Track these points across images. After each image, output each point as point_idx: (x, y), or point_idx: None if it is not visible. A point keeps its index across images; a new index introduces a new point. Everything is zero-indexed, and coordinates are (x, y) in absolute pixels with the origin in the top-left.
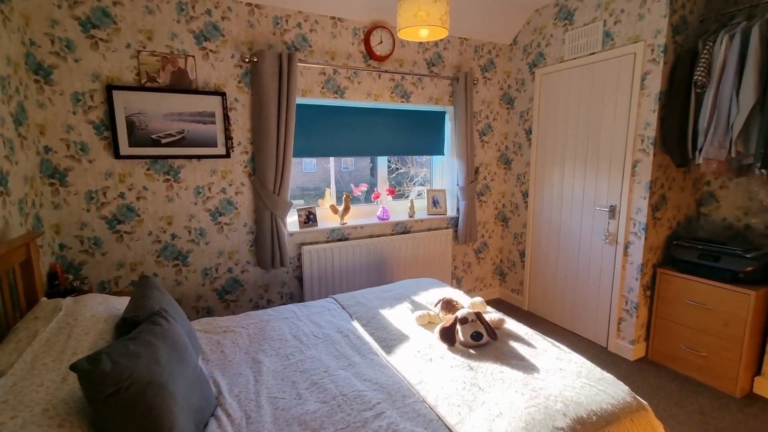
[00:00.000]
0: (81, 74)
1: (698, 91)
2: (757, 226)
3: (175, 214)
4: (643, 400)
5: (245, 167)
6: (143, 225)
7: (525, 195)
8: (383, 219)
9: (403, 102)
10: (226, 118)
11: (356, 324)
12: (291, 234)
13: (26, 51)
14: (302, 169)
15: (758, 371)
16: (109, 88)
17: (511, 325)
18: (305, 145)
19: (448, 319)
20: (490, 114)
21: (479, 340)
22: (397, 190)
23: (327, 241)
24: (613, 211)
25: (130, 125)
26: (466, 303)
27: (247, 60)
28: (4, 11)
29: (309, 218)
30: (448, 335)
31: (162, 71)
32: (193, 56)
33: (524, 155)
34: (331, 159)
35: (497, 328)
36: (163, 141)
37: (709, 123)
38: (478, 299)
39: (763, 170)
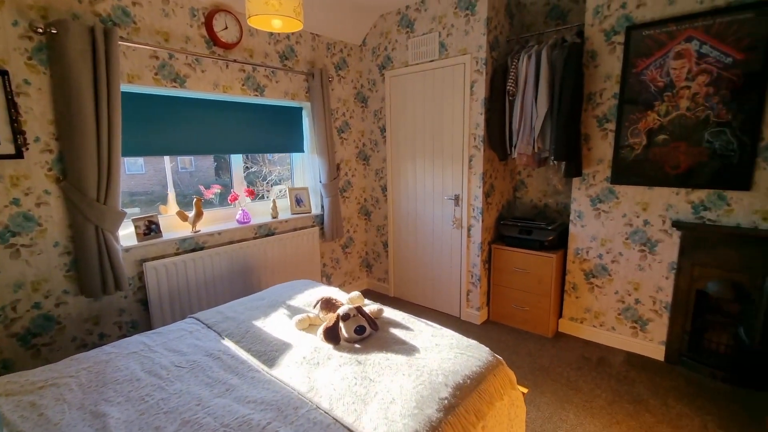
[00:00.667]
0: None
1: (510, 98)
2: (552, 205)
3: None
4: (498, 356)
5: (49, 170)
6: None
7: (384, 189)
8: (244, 222)
9: (256, 96)
10: (12, 105)
11: (228, 342)
12: (127, 249)
13: None
14: (125, 171)
15: (560, 314)
16: None
17: (389, 312)
18: (138, 141)
19: (329, 318)
20: (346, 111)
21: (363, 334)
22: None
23: (177, 254)
24: (457, 199)
25: None
26: (344, 299)
27: (40, 31)
28: None
29: (150, 229)
30: (332, 334)
31: None
32: None
33: (381, 152)
34: (166, 158)
35: (377, 318)
36: None
37: (520, 124)
38: (356, 293)
39: (554, 161)
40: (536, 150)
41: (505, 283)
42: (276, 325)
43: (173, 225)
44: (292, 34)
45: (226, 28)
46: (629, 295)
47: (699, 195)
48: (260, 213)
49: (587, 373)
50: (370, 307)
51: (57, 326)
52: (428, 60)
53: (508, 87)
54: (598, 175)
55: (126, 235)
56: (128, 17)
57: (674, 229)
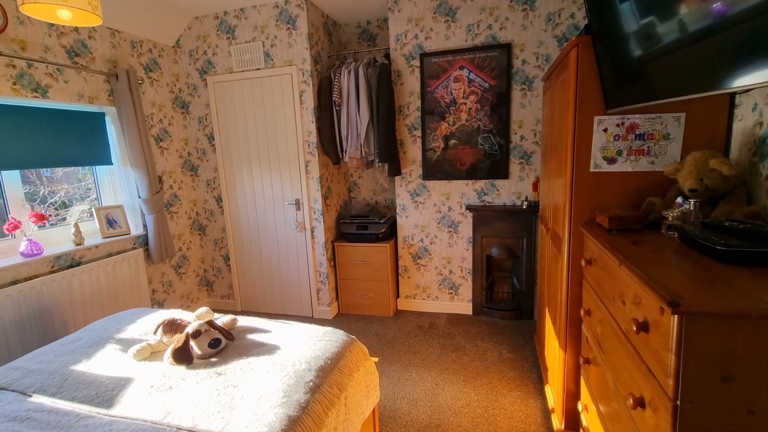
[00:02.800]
0: None
1: (337, 108)
2: (382, 202)
3: None
4: (351, 335)
5: None
6: None
7: (219, 200)
8: (33, 255)
9: (37, 98)
10: None
11: (40, 398)
12: None
13: None
14: None
15: (398, 294)
16: None
17: (243, 321)
18: None
19: (177, 339)
20: (164, 118)
21: (218, 346)
22: (48, 215)
23: None
24: (298, 203)
25: None
26: (191, 317)
27: None
28: None
29: None
30: (182, 355)
31: None
32: None
33: (210, 160)
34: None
35: (231, 328)
36: None
37: (348, 132)
38: (204, 309)
39: (380, 163)
40: (363, 154)
41: (350, 277)
42: (107, 363)
43: None
44: (82, 27)
45: None
46: (444, 268)
47: (480, 185)
48: (56, 241)
49: (422, 338)
50: (222, 319)
51: None
52: (254, 68)
53: (333, 98)
54: (413, 173)
55: None
56: None
57: (468, 211)
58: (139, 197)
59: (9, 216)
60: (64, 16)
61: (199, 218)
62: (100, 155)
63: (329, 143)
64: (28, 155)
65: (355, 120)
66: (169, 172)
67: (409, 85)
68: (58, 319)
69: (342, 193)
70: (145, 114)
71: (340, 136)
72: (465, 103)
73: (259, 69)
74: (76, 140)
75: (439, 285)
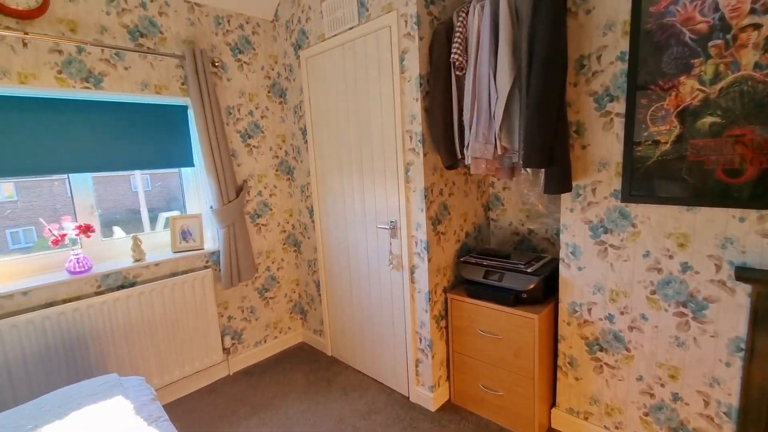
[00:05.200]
0: None
1: (458, 73)
2: (540, 231)
3: None
4: None
5: None
6: None
7: (311, 212)
8: (79, 272)
9: (87, 88)
10: None
11: None
12: None
13: None
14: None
15: (553, 402)
16: None
17: None
18: None
19: None
20: (255, 110)
21: None
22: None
23: None
24: (394, 228)
25: None
26: None
27: None
28: None
29: None
30: None
31: None
32: None
33: (304, 161)
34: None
35: None
36: None
37: (472, 113)
38: None
39: (526, 169)
40: (500, 150)
41: (469, 351)
42: None
43: None
44: (151, 0)
45: None
46: (661, 385)
47: None
48: (116, 256)
49: None
50: None
51: None
52: (347, 27)
53: (453, 57)
54: (601, 189)
55: None
56: None
57: (739, 281)
58: (211, 208)
59: (75, 225)
60: None
61: (294, 232)
62: (180, 156)
63: (441, 133)
64: (101, 156)
65: (487, 89)
66: (259, 175)
67: (605, 11)
68: (95, 351)
69: (472, 212)
70: (230, 105)
71: (460, 120)
72: (757, 26)
73: (351, 28)
74: (154, 138)
75: (646, 414)
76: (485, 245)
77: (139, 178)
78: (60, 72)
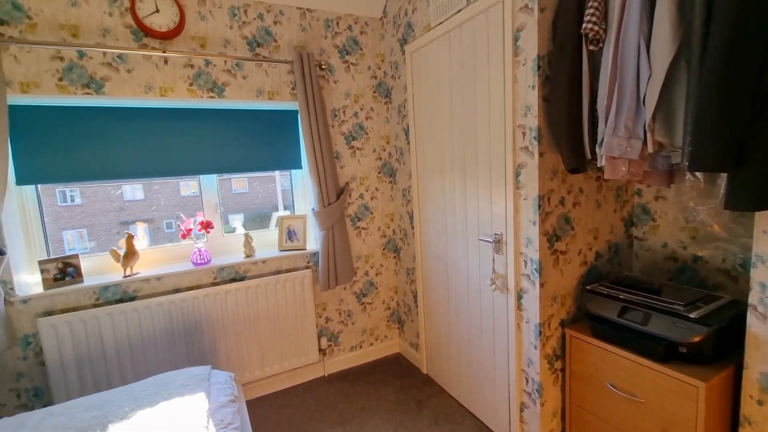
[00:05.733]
0: None
1: (592, 48)
2: (714, 260)
3: None
4: None
5: None
6: None
7: (411, 217)
8: (200, 264)
9: (212, 98)
10: None
11: None
12: (26, 300)
13: None
14: (57, 203)
15: None
16: None
17: None
18: (55, 165)
19: None
20: (360, 111)
21: None
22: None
23: (96, 305)
24: (498, 242)
25: None
26: None
27: None
28: None
29: (65, 273)
30: None
31: None
32: None
33: (407, 164)
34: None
35: None
36: None
37: (611, 99)
38: None
39: (695, 174)
40: (651, 148)
41: (592, 408)
42: None
43: (111, 266)
44: (268, 11)
45: (157, 11)
46: None
47: None
48: (233, 251)
49: None
50: None
51: None
52: (454, 11)
53: (585, 27)
54: None
55: (33, 283)
56: (20, 11)
57: None
58: (313, 209)
59: (200, 220)
60: None
61: (394, 237)
62: (291, 158)
63: (564, 127)
64: (222, 159)
65: (635, 65)
66: (361, 177)
67: None
68: (209, 337)
69: (605, 228)
70: (335, 107)
71: (591, 110)
72: None
73: (459, 11)
74: (268, 142)
75: None
76: (625, 272)
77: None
78: (191, 84)
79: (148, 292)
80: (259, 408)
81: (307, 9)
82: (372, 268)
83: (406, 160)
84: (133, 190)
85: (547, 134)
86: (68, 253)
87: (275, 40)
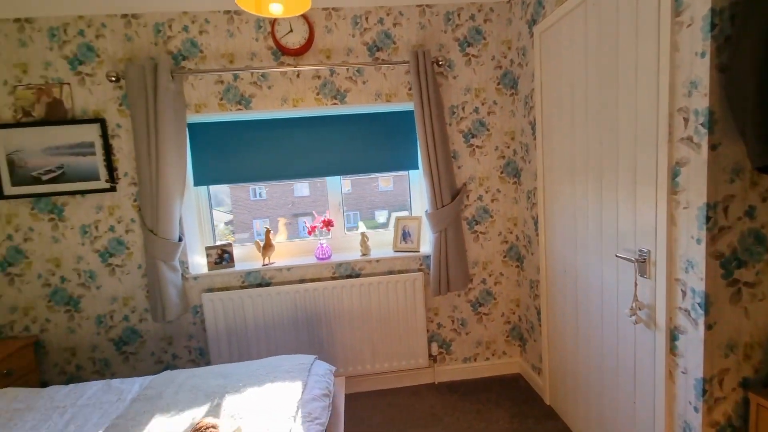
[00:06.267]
0: None
1: None
2: None
3: (62, 255)
4: None
5: (134, 201)
6: (32, 267)
7: (536, 222)
8: (322, 259)
9: (335, 104)
10: (108, 147)
11: None
12: (195, 278)
13: None
14: (249, 197)
15: None
16: None
17: None
18: (219, 170)
19: None
20: (480, 106)
21: None
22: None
23: (241, 287)
24: (644, 262)
25: (11, 164)
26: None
27: (113, 79)
28: None
29: (222, 258)
30: None
31: (37, 104)
32: (69, 83)
33: (532, 162)
34: (327, 179)
35: None
36: (44, 178)
37: None
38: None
39: None
40: None
41: None
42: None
43: (256, 255)
44: (387, 14)
45: (291, 31)
46: None
47: None
48: (353, 248)
49: None
50: None
51: (140, 339)
52: None
53: None
54: None
55: (201, 264)
56: (195, 47)
57: None
58: (426, 211)
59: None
60: (275, 9)
61: (517, 244)
62: (408, 159)
63: (755, 105)
64: (345, 161)
65: None
66: (480, 178)
67: None
68: (327, 327)
69: None
70: (453, 104)
71: None
72: None
73: None
74: (386, 143)
75: None
76: None
77: (335, 182)
78: (318, 93)
79: (280, 280)
80: (365, 403)
81: (427, 5)
82: (490, 276)
83: (531, 158)
84: (301, 187)
85: (725, 118)
86: (224, 242)
87: (394, 42)
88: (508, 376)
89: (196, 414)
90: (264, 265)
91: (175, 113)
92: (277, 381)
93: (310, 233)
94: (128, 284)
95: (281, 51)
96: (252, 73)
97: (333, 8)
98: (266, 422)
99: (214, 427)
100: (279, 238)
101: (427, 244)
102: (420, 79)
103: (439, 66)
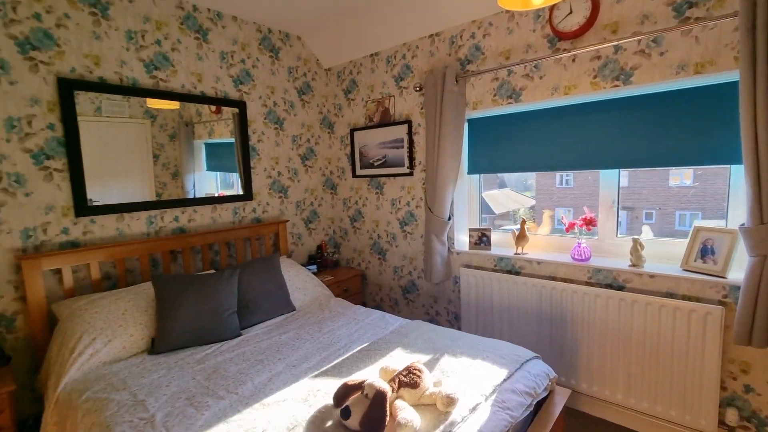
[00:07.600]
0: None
1: None
2: None
3: (380, 219)
4: None
5: (423, 184)
6: (365, 224)
7: None
8: (578, 260)
9: (617, 87)
10: (411, 141)
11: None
12: (458, 253)
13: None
14: (555, 184)
15: None
16: (352, 131)
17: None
18: (489, 159)
19: (367, 384)
20: None
21: (346, 419)
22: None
23: (493, 270)
24: None
25: (361, 154)
26: (429, 383)
27: (418, 88)
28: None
29: (481, 240)
30: (338, 395)
31: (376, 112)
32: (393, 96)
33: None
34: (600, 172)
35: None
36: (375, 164)
37: None
38: (443, 391)
39: None
40: None
41: None
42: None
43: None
44: None
45: (571, 12)
46: None
47: None
48: (620, 254)
49: None
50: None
51: (417, 292)
52: None
53: None
54: None
55: (464, 241)
56: (479, 51)
57: None
58: (742, 224)
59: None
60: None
61: None
62: (726, 149)
63: None
64: (623, 153)
65: None
66: None
67: None
68: (572, 333)
69: None
70: None
71: None
72: None
73: None
74: (689, 129)
75: None
76: None
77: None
78: (595, 77)
79: (529, 272)
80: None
81: None
82: None
83: None
84: (622, 178)
85: None
86: (484, 227)
87: None
88: None
89: (420, 358)
90: (515, 254)
91: (456, 112)
92: (488, 361)
93: (567, 230)
94: (414, 248)
95: (558, 37)
96: (525, 66)
97: None
98: (464, 388)
99: (420, 371)
100: (542, 230)
101: (738, 270)
102: (757, 34)
103: None
